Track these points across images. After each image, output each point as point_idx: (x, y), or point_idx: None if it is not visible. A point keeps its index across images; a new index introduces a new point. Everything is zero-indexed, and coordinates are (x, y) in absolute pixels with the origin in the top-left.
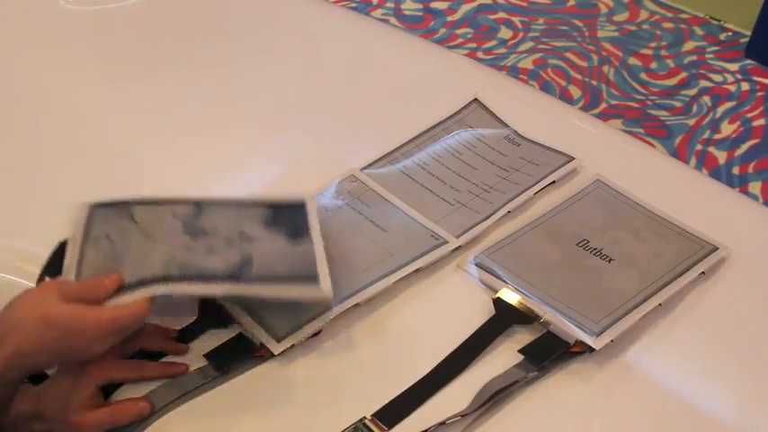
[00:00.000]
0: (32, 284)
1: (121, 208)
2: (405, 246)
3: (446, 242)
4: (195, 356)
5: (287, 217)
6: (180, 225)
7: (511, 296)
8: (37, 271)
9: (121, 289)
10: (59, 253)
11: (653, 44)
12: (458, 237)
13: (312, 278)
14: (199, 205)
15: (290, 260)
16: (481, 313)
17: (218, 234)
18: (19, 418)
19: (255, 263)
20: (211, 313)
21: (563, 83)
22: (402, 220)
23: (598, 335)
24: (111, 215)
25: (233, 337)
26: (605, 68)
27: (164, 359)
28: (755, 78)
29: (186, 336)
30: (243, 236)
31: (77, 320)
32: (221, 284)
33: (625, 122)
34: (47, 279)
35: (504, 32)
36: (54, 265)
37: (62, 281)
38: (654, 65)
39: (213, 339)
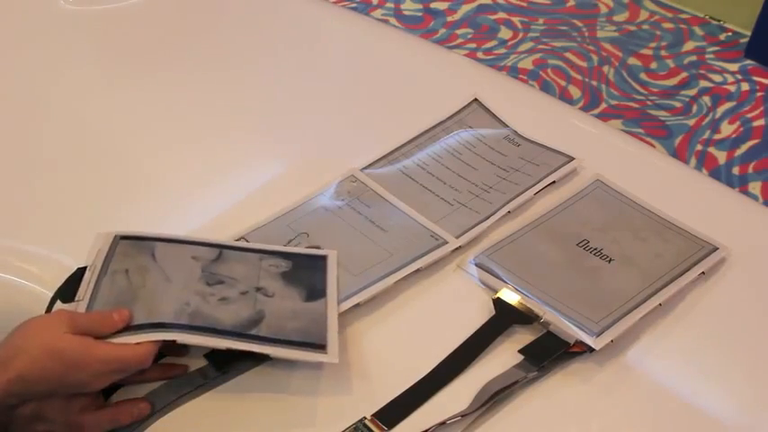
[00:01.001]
0: (32, 284)
1: (144, 243)
2: (405, 246)
3: (446, 242)
4: (195, 356)
5: (307, 270)
6: (198, 269)
7: (511, 296)
8: (36, 270)
9: (129, 327)
10: (76, 278)
11: (653, 44)
12: (458, 237)
13: (321, 347)
14: (220, 251)
15: (301, 322)
16: (481, 313)
17: (234, 285)
18: (20, 419)
19: (266, 321)
20: None
21: (563, 83)
22: (402, 221)
23: (598, 335)
24: (132, 249)
25: None
26: (605, 69)
27: (163, 360)
28: (755, 78)
29: None
30: (259, 290)
31: (84, 355)
32: (228, 339)
33: (625, 123)
34: (58, 302)
35: (504, 33)
36: (68, 290)
37: (72, 312)
38: (654, 65)
39: None
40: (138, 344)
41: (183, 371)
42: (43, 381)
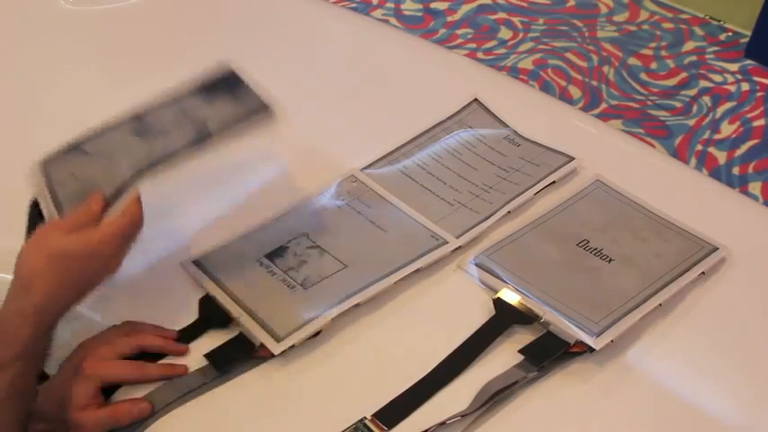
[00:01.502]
0: None
1: (71, 150)
2: (405, 246)
3: (446, 242)
4: (195, 356)
5: (221, 84)
6: (129, 135)
7: (511, 296)
8: None
9: (107, 205)
10: (35, 211)
11: (653, 44)
12: (458, 237)
13: (264, 107)
14: (138, 116)
15: (238, 105)
16: (481, 313)
17: (165, 123)
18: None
19: (210, 123)
20: (212, 313)
21: (563, 83)
22: (402, 221)
23: (598, 335)
24: (64, 160)
25: (233, 337)
26: (605, 69)
27: (164, 360)
28: (755, 78)
29: (186, 336)
30: (188, 113)
31: (86, 245)
32: (188, 150)
33: (625, 123)
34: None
35: (504, 33)
36: (35, 223)
37: (54, 221)
38: (654, 65)
39: (213, 339)
40: (125, 209)
41: (184, 371)
42: (66, 287)
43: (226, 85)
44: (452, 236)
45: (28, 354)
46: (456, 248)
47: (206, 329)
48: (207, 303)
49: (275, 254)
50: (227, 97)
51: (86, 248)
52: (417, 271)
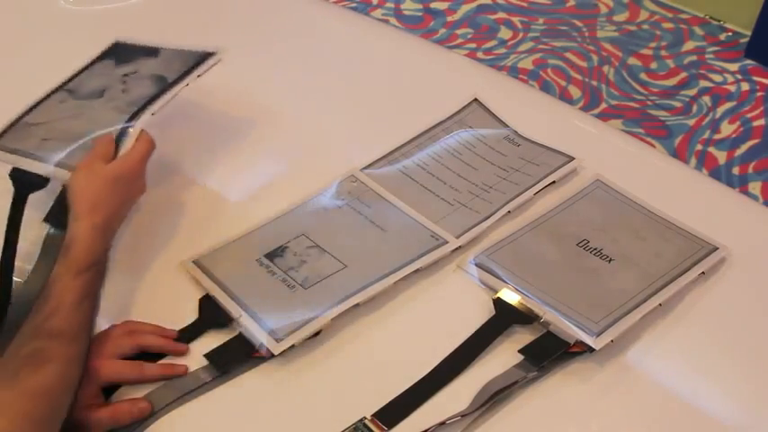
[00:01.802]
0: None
1: (17, 125)
2: (405, 246)
3: (446, 242)
4: (195, 356)
5: (130, 51)
6: (71, 100)
7: (511, 296)
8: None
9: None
10: (17, 177)
11: (653, 44)
12: (458, 237)
13: (210, 53)
14: (67, 87)
15: (183, 57)
16: (481, 313)
17: (113, 83)
18: None
19: (167, 77)
20: (212, 313)
21: (563, 83)
22: (402, 221)
23: (598, 335)
24: (21, 134)
25: (233, 337)
26: (605, 68)
27: (164, 360)
28: (755, 78)
29: (186, 336)
30: (128, 76)
31: (126, 168)
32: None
33: (625, 122)
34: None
35: (504, 32)
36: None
37: (92, 157)
38: (654, 65)
39: (213, 339)
40: (139, 138)
41: (184, 371)
42: (120, 203)
43: (132, 50)
44: (452, 236)
45: (99, 262)
46: (456, 248)
47: (206, 329)
48: (207, 303)
49: (275, 254)
50: (147, 57)
51: (127, 171)
52: (417, 271)
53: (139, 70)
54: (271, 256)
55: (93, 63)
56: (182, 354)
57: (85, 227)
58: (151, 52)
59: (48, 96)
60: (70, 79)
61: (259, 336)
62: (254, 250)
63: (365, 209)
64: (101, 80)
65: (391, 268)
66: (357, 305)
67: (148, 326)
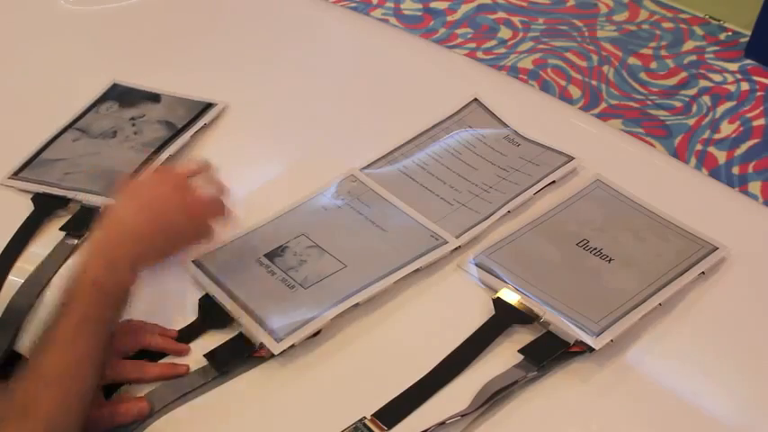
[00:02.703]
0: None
1: (37, 160)
2: (405, 246)
3: (446, 242)
4: (195, 356)
5: (131, 95)
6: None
7: (511, 296)
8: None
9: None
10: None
11: (653, 44)
12: (458, 237)
13: (210, 104)
14: (77, 126)
15: (186, 105)
16: (481, 313)
17: (123, 125)
18: None
19: (175, 123)
20: (212, 313)
21: (563, 83)
22: (402, 220)
23: (598, 335)
24: (37, 168)
25: (233, 337)
26: (605, 68)
27: (164, 359)
28: (755, 78)
29: (185, 336)
30: (136, 119)
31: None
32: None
33: (625, 122)
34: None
35: (504, 32)
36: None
37: (149, 179)
38: (654, 65)
39: (213, 339)
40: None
41: (185, 371)
42: (161, 236)
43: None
44: (452, 235)
45: (112, 295)
46: (456, 248)
47: (206, 329)
48: (207, 303)
49: (275, 253)
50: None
51: (148, 180)
52: (417, 271)
53: (147, 114)
54: (271, 255)
55: (95, 104)
56: (183, 354)
57: (96, 273)
58: (153, 97)
59: (59, 134)
60: (77, 119)
61: (259, 335)
62: (255, 250)
63: (365, 209)
64: (109, 121)
65: (391, 268)
66: (357, 305)
67: (149, 325)
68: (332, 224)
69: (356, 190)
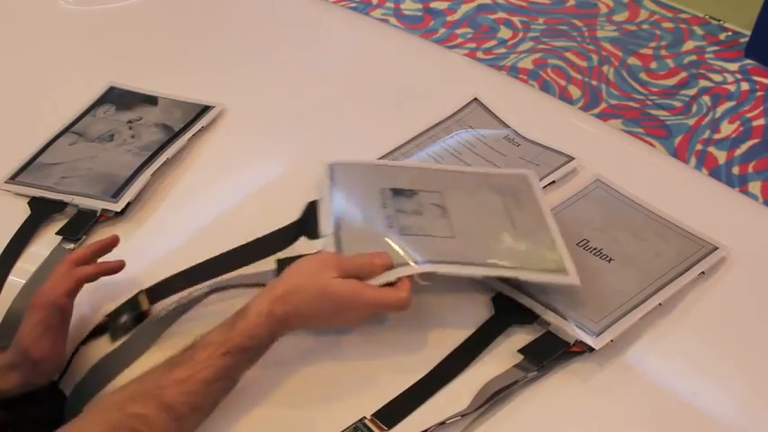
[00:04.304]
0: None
1: (33, 164)
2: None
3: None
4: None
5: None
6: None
7: (511, 295)
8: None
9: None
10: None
11: (653, 44)
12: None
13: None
14: (74, 130)
15: (182, 108)
16: (481, 313)
17: (120, 128)
18: None
19: (172, 126)
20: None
21: (563, 83)
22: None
23: (598, 335)
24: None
25: None
26: (605, 68)
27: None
28: (755, 78)
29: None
30: (133, 123)
31: (353, 299)
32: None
33: (625, 122)
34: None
35: (504, 32)
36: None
37: (339, 257)
38: (654, 65)
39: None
40: (398, 287)
41: (120, 265)
42: (316, 317)
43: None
44: None
45: (256, 348)
46: None
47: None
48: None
49: (401, 192)
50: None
51: (351, 301)
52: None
53: (144, 117)
54: (397, 191)
55: (92, 107)
56: (118, 269)
57: (261, 311)
58: (150, 100)
59: (56, 138)
60: (74, 122)
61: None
62: (388, 179)
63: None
64: (106, 124)
65: (479, 261)
66: (432, 274)
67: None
68: (474, 202)
69: (519, 191)
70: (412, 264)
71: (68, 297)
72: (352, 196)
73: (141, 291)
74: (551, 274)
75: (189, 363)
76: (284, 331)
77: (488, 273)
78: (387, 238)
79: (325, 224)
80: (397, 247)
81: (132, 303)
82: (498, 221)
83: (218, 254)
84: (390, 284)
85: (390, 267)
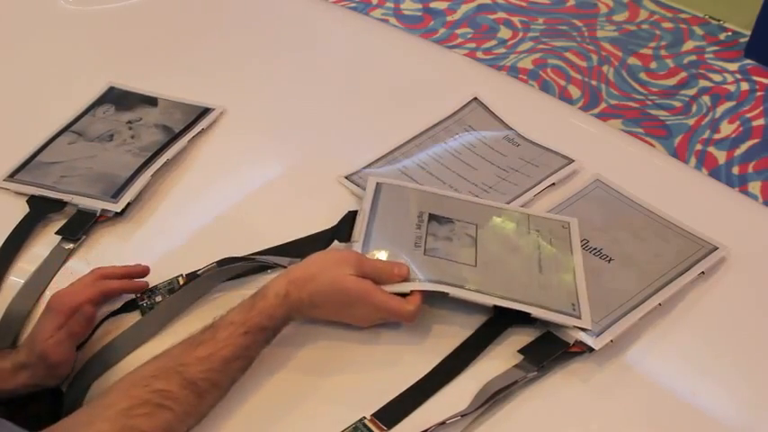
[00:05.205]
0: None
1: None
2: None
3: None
4: None
5: (128, 98)
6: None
7: None
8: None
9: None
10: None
11: (652, 44)
12: None
13: (208, 108)
14: (73, 129)
15: (183, 109)
16: (481, 313)
17: (120, 128)
18: (3, 373)
19: (172, 127)
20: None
21: (563, 83)
22: None
23: (598, 335)
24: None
25: None
26: (605, 68)
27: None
28: (755, 78)
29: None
30: (133, 123)
31: (363, 298)
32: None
33: (625, 122)
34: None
35: (504, 32)
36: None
37: (361, 256)
38: (653, 65)
39: None
40: (408, 299)
41: (143, 286)
42: (325, 307)
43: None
44: None
45: (272, 329)
46: None
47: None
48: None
49: (439, 219)
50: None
51: (360, 299)
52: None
53: (144, 118)
54: (434, 217)
55: (92, 107)
56: (141, 289)
57: (279, 292)
58: (150, 101)
59: (55, 137)
60: (74, 122)
61: None
62: (430, 204)
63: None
64: (106, 124)
65: (493, 292)
66: (445, 294)
67: (116, 270)
68: (507, 239)
69: (557, 237)
70: (427, 282)
71: (93, 306)
72: (389, 214)
73: (180, 275)
74: (563, 315)
75: (211, 341)
76: (296, 317)
77: (500, 303)
78: (409, 255)
79: (359, 232)
80: (416, 265)
81: (171, 283)
82: (525, 262)
83: (250, 253)
84: (403, 296)
85: (407, 280)
